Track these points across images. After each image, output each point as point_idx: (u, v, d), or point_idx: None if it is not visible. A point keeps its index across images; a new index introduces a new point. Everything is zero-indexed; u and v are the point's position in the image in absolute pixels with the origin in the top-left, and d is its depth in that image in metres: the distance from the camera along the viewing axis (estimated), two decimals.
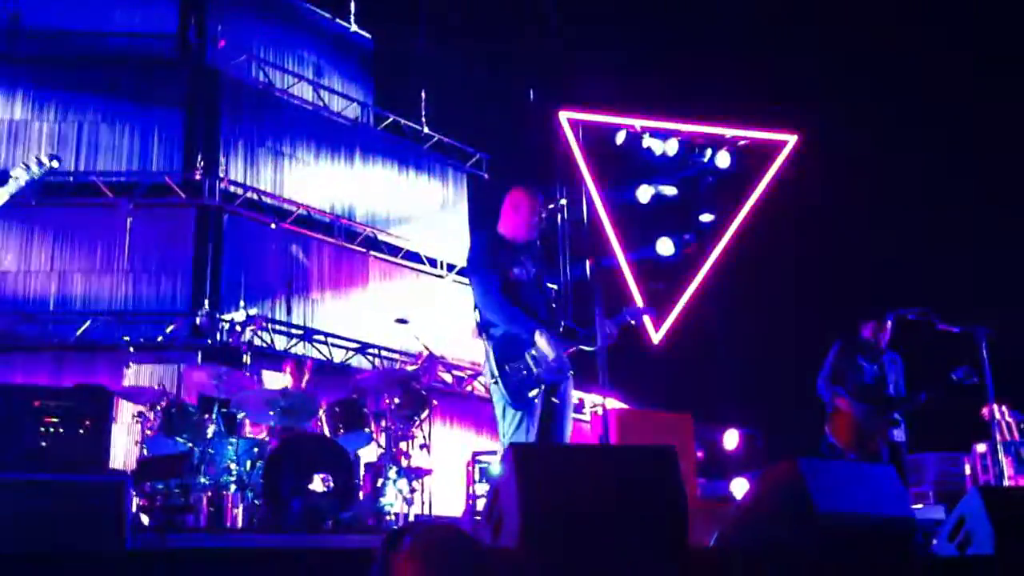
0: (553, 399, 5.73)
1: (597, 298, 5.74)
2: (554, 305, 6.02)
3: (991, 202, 12.64)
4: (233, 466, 7.82)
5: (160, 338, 11.57)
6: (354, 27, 15.67)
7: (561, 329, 5.85)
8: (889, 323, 8.06)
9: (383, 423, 8.57)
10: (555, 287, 12.86)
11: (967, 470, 11.11)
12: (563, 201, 14.77)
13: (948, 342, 7.63)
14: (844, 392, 7.92)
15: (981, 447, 10.82)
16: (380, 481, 8.38)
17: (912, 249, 12.92)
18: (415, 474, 8.55)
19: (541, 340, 5.59)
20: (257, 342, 11.46)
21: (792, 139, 14.17)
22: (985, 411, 8.36)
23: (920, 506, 10.47)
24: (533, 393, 5.61)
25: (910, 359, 8.18)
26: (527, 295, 5.84)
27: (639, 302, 13.01)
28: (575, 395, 6.07)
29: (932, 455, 11.48)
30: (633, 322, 5.97)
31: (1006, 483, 8.82)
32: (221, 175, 12.69)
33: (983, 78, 13.00)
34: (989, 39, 13.03)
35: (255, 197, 13.03)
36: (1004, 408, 9.30)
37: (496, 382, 5.68)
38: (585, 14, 14.64)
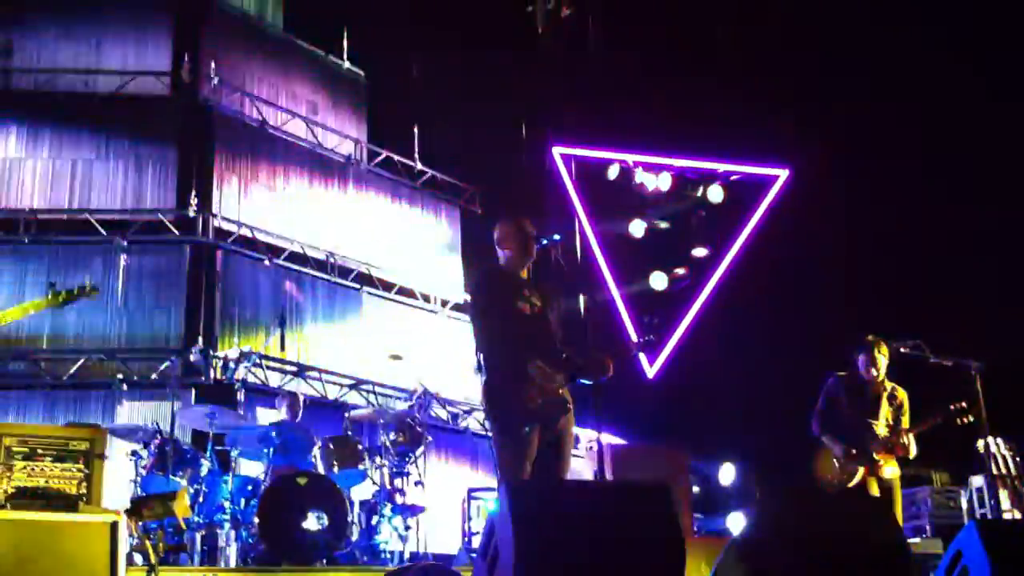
0: (548, 435, 5.69)
1: (591, 331, 5.74)
2: (558, 339, 5.99)
3: (990, 234, 12.67)
4: (227, 504, 7.80)
5: (154, 375, 11.53)
6: (347, 64, 15.74)
7: (562, 361, 5.82)
8: (881, 356, 8.01)
9: (378, 460, 8.54)
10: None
11: (964, 503, 11.09)
12: (556, 236, 14.74)
13: (942, 375, 7.62)
14: (832, 428, 7.88)
15: (977, 480, 10.80)
16: (375, 518, 8.35)
17: (909, 280, 12.94)
18: (410, 511, 8.51)
19: (535, 375, 5.58)
20: (251, 379, 11.42)
21: (784, 173, 14.22)
22: (980, 444, 8.34)
23: (917, 539, 10.44)
24: (526, 430, 5.58)
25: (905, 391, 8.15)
26: (529, 329, 5.84)
27: (633, 338, 12.96)
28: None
29: (928, 488, 11.46)
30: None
31: (1003, 516, 8.81)
32: (215, 212, 12.70)
33: (980, 107, 13.04)
34: (988, 65, 13.10)
35: (249, 234, 13.02)
36: (999, 441, 9.29)
37: (490, 418, 5.69)
38: (577, 50, 14.70)
